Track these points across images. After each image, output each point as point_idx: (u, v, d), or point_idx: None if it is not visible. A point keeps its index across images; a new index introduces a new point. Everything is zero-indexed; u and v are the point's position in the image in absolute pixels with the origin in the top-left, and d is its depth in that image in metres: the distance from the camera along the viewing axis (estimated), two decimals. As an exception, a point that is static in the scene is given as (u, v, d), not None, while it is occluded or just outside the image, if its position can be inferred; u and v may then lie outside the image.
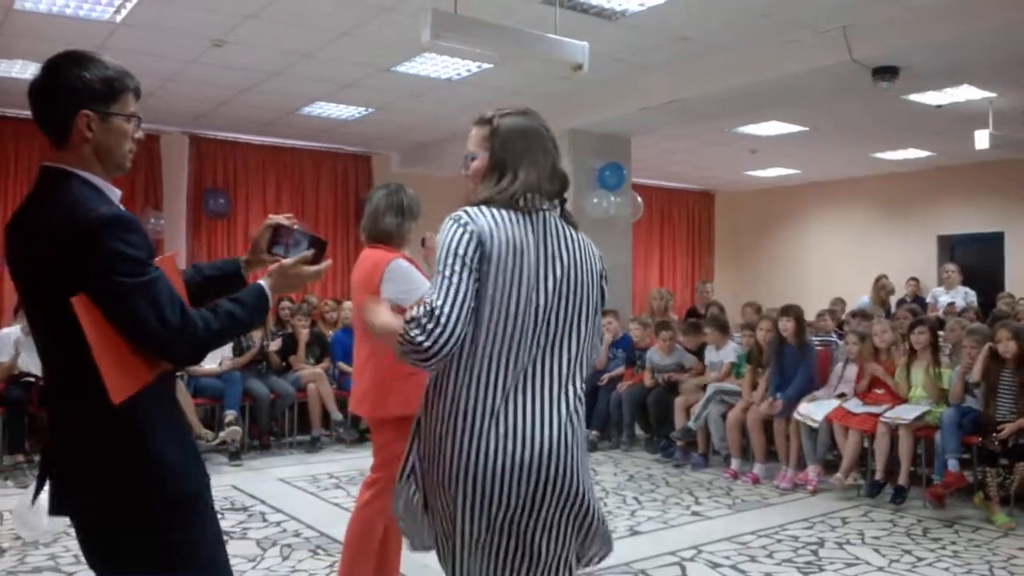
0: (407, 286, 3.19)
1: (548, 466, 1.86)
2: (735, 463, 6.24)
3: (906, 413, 5.51)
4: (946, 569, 4.17)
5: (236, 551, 4.31)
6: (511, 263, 1.86)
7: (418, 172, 10.62)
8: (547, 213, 1.98)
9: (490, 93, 7.55)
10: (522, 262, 1.87)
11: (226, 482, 5.86)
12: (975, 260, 11.10)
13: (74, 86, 1.77)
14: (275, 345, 7.28)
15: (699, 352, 7.18)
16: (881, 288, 10.18)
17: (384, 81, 7.22)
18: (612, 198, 8.05)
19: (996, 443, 5.04)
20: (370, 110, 8.33)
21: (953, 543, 4.63)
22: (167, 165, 9.37)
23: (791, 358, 6.17)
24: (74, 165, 1.80)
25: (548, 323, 1.91)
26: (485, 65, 6.73)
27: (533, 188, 1.96)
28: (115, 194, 1.85)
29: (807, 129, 9.30)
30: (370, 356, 3.29)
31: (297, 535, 4.65)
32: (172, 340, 1.73)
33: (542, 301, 1.89)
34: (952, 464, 5.19)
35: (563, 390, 1.92)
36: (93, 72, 1.78)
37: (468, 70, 6.89)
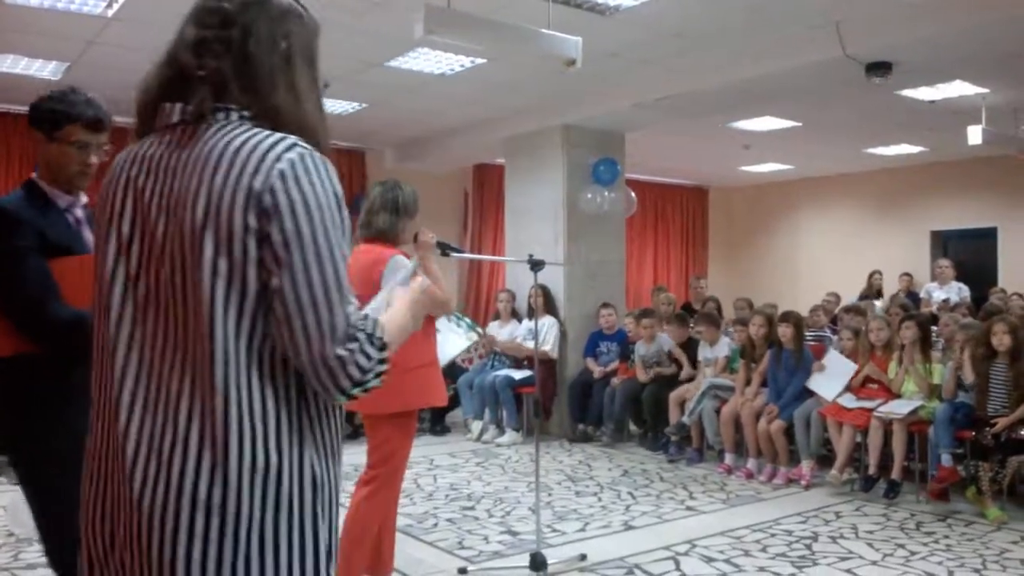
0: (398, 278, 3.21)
1: None
2: (728, 458, 6.25)
3: (900, 408, 5.53)
4: (939, 563, 4.18)
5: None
6: None
7: (412, 168, 10.59)
8: None
9: (484, 88, 7.54)
10: None
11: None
12: (968, 256, 11.13)
13: (37, 109, 2.37)
14: None
15: (686, 346, 7.18)
16: (872, 283, 10.27)
17: (377, 76, 7.20)
18: (606, 193, 8.04)
19: (989, 437, 5.05)
20: (363, 105, 8.30)
21: (946, 537, 4.64)
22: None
23: (788, 364, 6.16)
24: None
25: None
26: (479, 60, 6.71)
27: None
28: (62, 199, 2.39)
29: (800, 125, 9.30)
30: None
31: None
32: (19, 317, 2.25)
33: None
34: (945, 459, 5.21)
35: None
36: (49, 104, 2.35)
37: (462, 65, 6.87)
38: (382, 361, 1.33)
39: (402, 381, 3.22)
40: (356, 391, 1.31)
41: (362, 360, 1.29)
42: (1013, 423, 5.07)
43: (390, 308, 1.47)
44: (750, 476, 6.04)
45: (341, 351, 1.27)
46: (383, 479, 3.32)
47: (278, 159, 1.29)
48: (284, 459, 1.29)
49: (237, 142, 1.30)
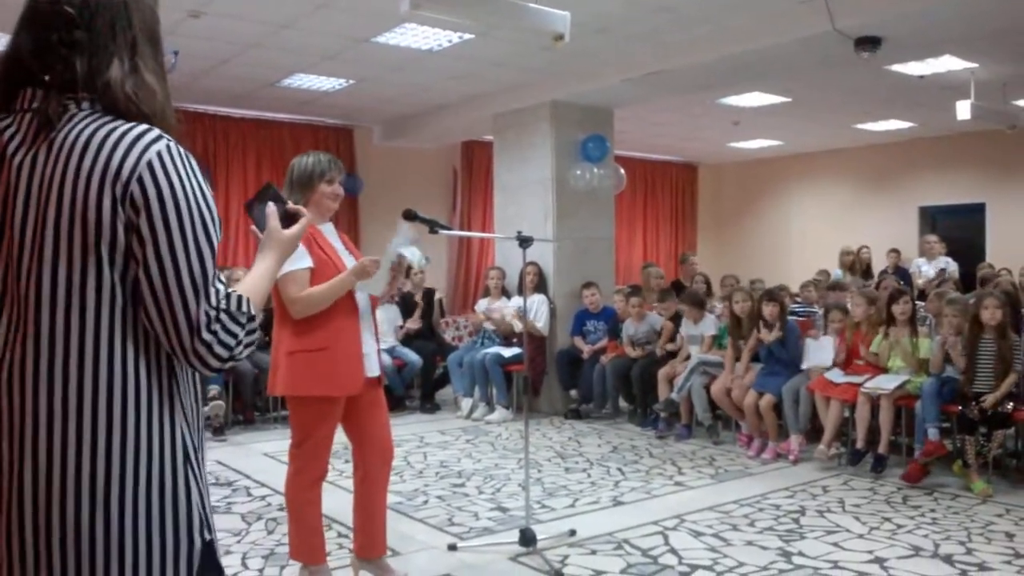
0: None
1: None
2: (744, 427, 6.22)
3: (887, 383, 5.57)
4: (925, 536, 4.23)
5: (221, 525, 4.32)
6: None
7: (400, 144, 10.55)
8: None
9: (472, 64, 7.49)
10: None
11: (210, 457, 5.85)
12: (956, 231, 11.17)
13: None
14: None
15: (676, 319, 7.20)
16: (850, 259, 10.34)
17: (364, 52, 7.13)
18: (595, 170, 8.02)
19: (975, 411, 5.09)
20: (350, 82, 8.23)
21: (932, 510, 4.69)
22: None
23: (775, 345, 6.18)
24: None
25: None
26: (466, 36, 6.65)
27: None
28: None
29: (790, 100, 9.28)
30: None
31: (282, 509, 4.64)
32: None
33: None
34: (932, 433, 5.25)
35: None
36: None
37: (449, 40, 6.81)
38: (250, 332, 1.40)
39: (284, 364, 3.23)
40: (228, 364, 1.39)
41: (227, 339, 1.36)
42: (999, 398, 5.11)
43: (251, 271, 1.55)
44: (749, 443, 6.08)
45: (206, 336, 1.33)
46: (303, 459, 3.32)
47: (145, 150, 1.31)
48: (155, 429, 1.33)
49: (102, 133, 1.31)
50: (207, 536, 1.39)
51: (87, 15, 1.36)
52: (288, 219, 1.66)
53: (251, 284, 1.50)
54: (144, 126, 1.34)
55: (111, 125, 1.33)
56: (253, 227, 1.66)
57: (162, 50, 1.46)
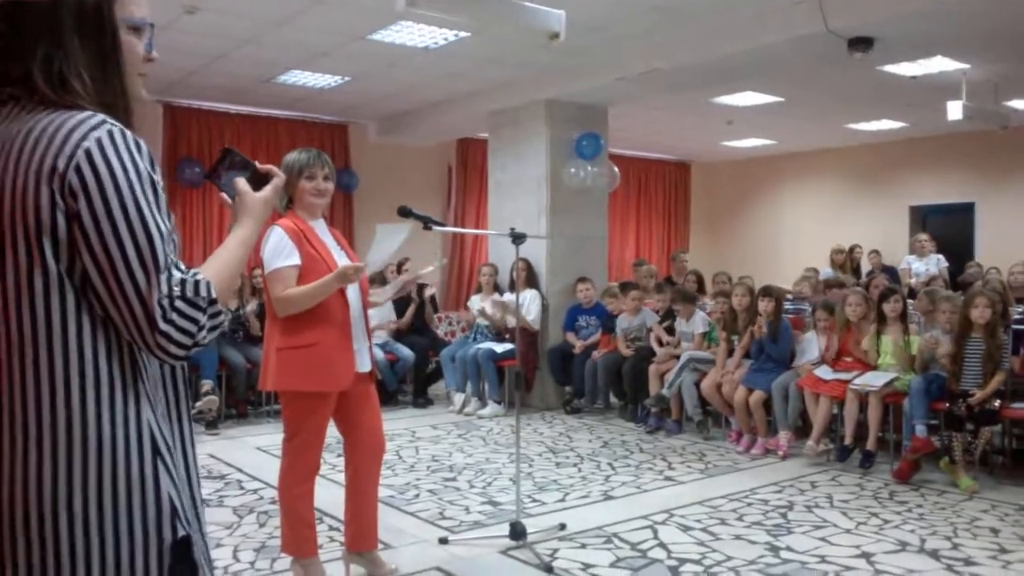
0: (266, 254, 3.23)
1: None
2: (734, 423, 6.28)
3: (875, 380, 5.62)
4: (912, 531, 4.28)
5: (212, 518, 4.35)
6: None
7: (395, 141, 10.57)
8: None
9: (467, 62, 7.51)
10: None
11: (203, 451, 5.88)
12: (946, 230, 11.23)
13: None
14: (251, 307, 7.23)
15: (668, 314, 7.25)
16: (841, 258, 10.42)
17: (359, 49, 7.15)
18: (589, 168, 8.06)
19: (963, 409, 5.15)
20: (346, 79, 8.25)
21: (919, 506, 4.74)
22: (141, 134, 9.23)
23: (768, 336, 6.23)
24: None
25: None
26: (462, 34, 6.68)
27: None
28: None
29: (783, 100, 9.33)
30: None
31: (274, 502, 4.67)
32: None
33: None
34: (920, 429, 5.30)
35: None
36: None
37: (445, 39, 6.84)
38: (213, 315, 1.35)
39: (275, 359, 3.25)
40: (193, 351, 1.34)
41: (187, 326, 1.30)
42: (987, 395, 5.17)
43: (218, 250, 1.48)
44: (738, 439, 6.13)
45: (163, 327, 1.28)
46: (295, 453, 3.35)
47: (84, 138, 1.26)
48: (118, 422, 1.28)
49: (43, 123, 1.28)
50: (180, 532, 1.34)
51: (9, 7, 1.32)
52: (260, 181, 1.58)
53: (222, 259, 1.45)
54: (86, 114, 1.29)
55: (50, 117, 1.29)
56: (223, 195, 1.59)
57: (111, 31, 1.38)
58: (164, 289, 1.28)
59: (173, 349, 1.30)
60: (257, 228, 1.55)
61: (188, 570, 1.35)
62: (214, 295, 1.35)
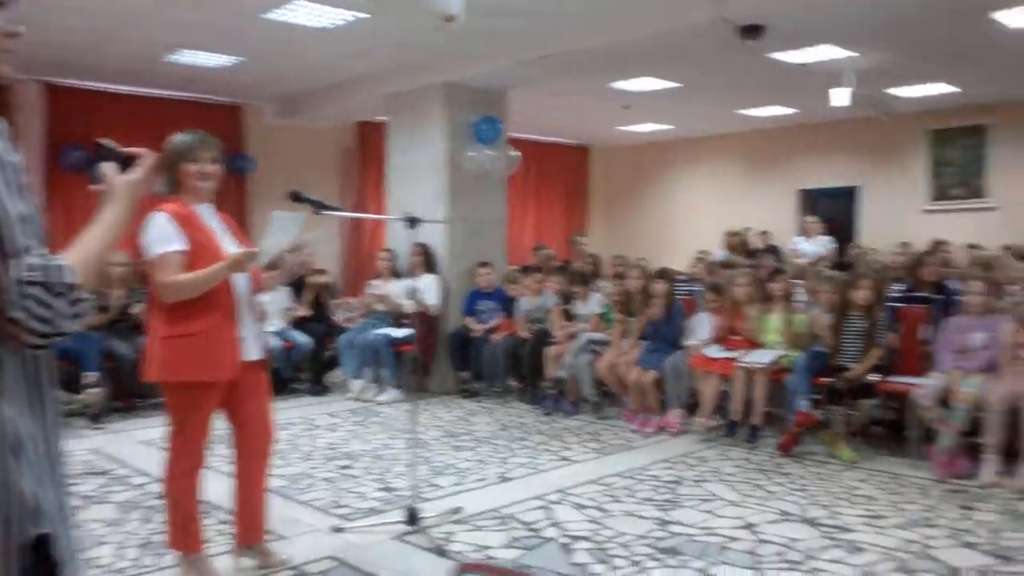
0: (147, 240, 3.12)
1: None
2: (629, 402, 6.40)
3: (762, 357, 5.82)
4: (794, 501, 4.46)
5: (96, 515, 4.19)
6: None
7: (293, 123, 10.34)
8: None
9: (365, 43, 7.39)
10: None
11: (87, 445, 5.66)
12: (832, 213, 11.69)
13: None
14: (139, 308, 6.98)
15: (568, 298, 7.34)
16: (735, 240, 10.73)
17: (254, 29, 6.95)
18: (488, 152, 8.06)
19: (843, 383, 5.38)
20: (241, 59, 8.01)
21: (802, 477, 4.94)
22: (4, 113, 8.76)
23: (661, 317, 6.39)
24: None
25: None
26: (360, 15, 6.56)
27: None
28: None
29: (679, 86, 9.51)
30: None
31: (160, 497, 4.53)
32: None
33: None
34: (803, 404, 5.52)
35: None
36: None
37: (343, 19, 6.70)
38: (75, 301, 1.30)
39: (158, 349, 3.17)
40: (55, 339, 1.29)
41: (44, 313, 1.26)
42: (865, 370, 5.42)
43: (82, 234, 1.43)
44: (633, 418, 6.26)
45: (15, 314, 1.24)
46: (179, 446, 3.29)
47: None
48: None
49: None
50: (34, 531, 1.29)
51: None
52: (128, 164, 1.56)
53: (85, 244, 1.40)
54: None
55: None
56: (94, 187, 1.56)
57: None
58: (13, 273, 1.23)
59: (29, 337, 1.25)
60: (126, 210, 1.50)
61: (48, 569, 1.31)
62: (76, 280, 1.30)
